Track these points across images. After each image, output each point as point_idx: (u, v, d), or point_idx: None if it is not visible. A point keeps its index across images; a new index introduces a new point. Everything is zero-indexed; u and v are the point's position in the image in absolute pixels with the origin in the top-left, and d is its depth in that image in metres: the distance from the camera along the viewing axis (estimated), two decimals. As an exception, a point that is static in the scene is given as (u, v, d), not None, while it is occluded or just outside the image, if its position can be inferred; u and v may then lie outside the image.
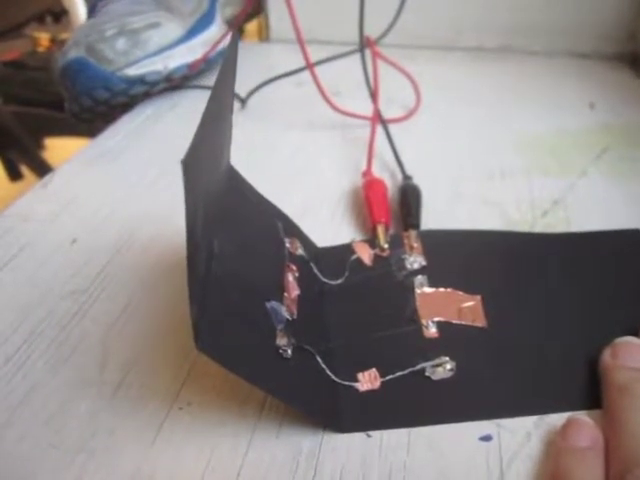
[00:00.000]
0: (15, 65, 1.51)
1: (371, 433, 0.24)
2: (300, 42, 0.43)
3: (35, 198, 0.38)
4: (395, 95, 0.50)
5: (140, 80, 0.47)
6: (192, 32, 0.52)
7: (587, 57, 0.60)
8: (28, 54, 1.50)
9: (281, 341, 0.24)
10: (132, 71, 0.47)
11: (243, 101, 0.50)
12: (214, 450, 0.23)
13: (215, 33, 0.54)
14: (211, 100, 0.21)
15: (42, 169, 1.30)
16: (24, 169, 1.39)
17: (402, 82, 0.50)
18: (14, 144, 1.30)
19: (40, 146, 1.47)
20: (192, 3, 0.55)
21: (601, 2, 0.58)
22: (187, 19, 0.53)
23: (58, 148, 1.39)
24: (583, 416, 0.24)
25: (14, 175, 1.40)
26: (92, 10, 0.53)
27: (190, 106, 0.51)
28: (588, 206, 0.37)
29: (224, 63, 0.23)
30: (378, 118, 0.43)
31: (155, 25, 0.49)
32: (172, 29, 0.51)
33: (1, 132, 1.29)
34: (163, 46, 0.49)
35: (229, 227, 0.26)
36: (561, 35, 0.60)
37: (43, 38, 1.46)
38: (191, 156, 0.17)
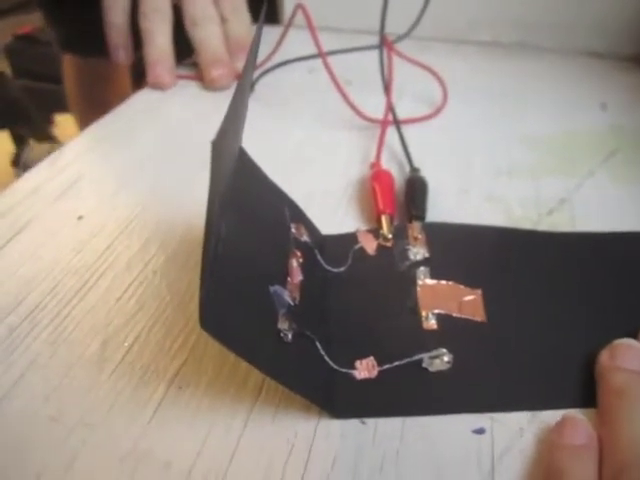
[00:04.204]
0: (27, 39, 1.51)
1: (366, 420, 0.24)
2: (312, 32, 0.43)
3: (43, 174, 0.39)
4: (408, 88, 0.50)
5: None
6: None
7: (602, 56, 0.59)
8: (40, 29, 1.49)
9: (282, 325, 0.24)
10: None
11: (251, 85, 0.50)
12: (210, 430, 0.23)
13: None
14: (239, 83, 0.22)
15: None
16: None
17: (415, 75, 0.50)
18: (24, 119, 1.31)
19: (49, 121, 1.47)
20: None
21: (618, 0, 0.57)
22: None
23: (67, 124, 1.39)
24: (579, 414, 0.24)
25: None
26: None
27: (198, 88, 0.51)
28: (594, 207, 0.37)
29: (252, 45, 0.23)
30: (391, 119, 0.43)
31: None
32: None
33: (11, 106, 1.29)
34: None
35: (237, 210, 0.26)
36: (576, 33, 0.60)
37: (56, 13, 1.45)
38: (220, 138, 0.18)
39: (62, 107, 1.42)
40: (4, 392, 0.25)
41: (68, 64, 0.91)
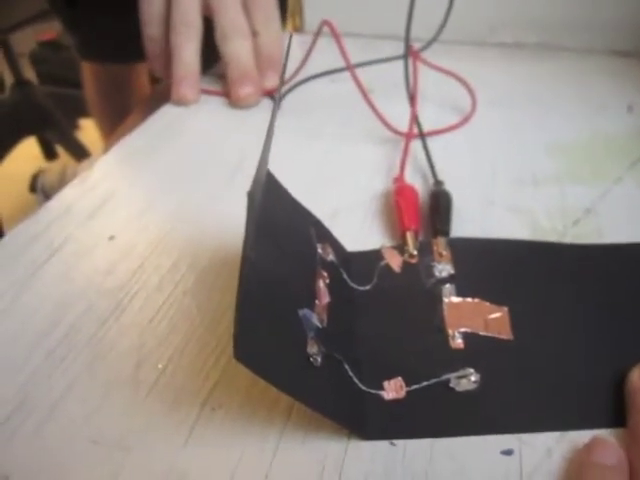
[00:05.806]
0: (52, 45, 1.54)
1: (395, 442, 0.24)
2: (340, 47, 0.43)
3: (73, 193, 0.40)
4: (432, 94, 0.50)
5: None
6: None
7: (628, 55, 0.58)
8: (64, 34, 1.52)
9: (312, 349, 0.25)
10: None
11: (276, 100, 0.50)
12: (243, 452, 0.24)
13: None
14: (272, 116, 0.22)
15: (77, 149, 1.33)
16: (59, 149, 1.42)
17: (439, 81, 0.50)
18: (50, 124, 1.33)
19: (75, 126, 1.50)
20: None
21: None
22: None
23: (92, 128, 1.42)
24: (608, 436, 0.24)
25: (50, 154, 1.44)
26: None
27: (220, 102, 0.52)
28: (621, 216, 0.37)
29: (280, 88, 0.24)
30: (416, 131, 0.43)
31: None
32: None
33: (38, 113, 1.32)
34: None
35: (265, 234, 0.26)
36: (601, 31, 0.59)
37: (79, 19, 1.47)
38: (255, 188, 0.18)
39: (86, 112, 1.45)
40: (44, 415, 0.25)
41: (86, 70, 0.92)
